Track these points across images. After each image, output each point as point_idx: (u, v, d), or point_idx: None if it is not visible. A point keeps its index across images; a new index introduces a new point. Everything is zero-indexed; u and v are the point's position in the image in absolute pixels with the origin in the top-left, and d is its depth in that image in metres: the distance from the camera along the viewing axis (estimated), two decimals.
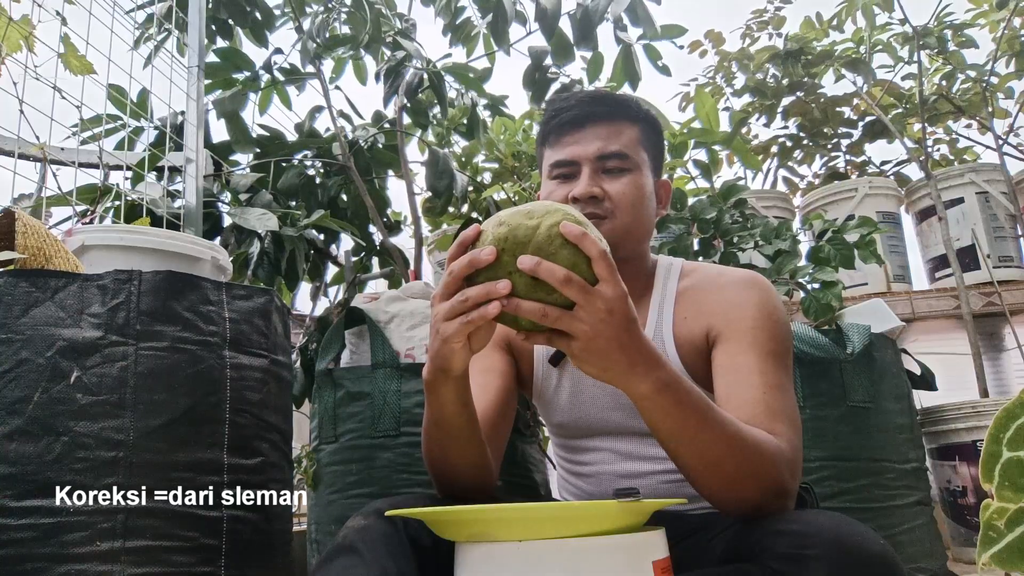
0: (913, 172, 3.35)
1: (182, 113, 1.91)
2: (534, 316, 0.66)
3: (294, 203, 2.19)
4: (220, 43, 2.28)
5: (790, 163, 3.54)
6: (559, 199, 1.00)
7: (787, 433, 0.81)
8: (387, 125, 2.38)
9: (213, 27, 2.18)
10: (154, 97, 1.91)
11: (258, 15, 2.22)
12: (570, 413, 1.04)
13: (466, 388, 0.80)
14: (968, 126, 3.37)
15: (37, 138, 1.40)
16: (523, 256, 0.65)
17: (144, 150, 1.86)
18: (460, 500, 0.85)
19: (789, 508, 0.78)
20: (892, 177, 3.34)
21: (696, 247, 2.06)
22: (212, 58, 2.12)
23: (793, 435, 0.82)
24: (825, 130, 3.40)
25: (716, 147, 2.44)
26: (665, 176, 1.18)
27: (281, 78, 2.28)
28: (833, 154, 3.51)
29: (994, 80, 3.07)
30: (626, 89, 2.26)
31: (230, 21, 2.21)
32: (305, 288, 2.40)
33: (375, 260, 2.46)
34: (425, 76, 2.15)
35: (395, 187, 3.32)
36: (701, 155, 2.46)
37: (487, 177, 2.62)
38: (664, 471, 0.98)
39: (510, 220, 0.68)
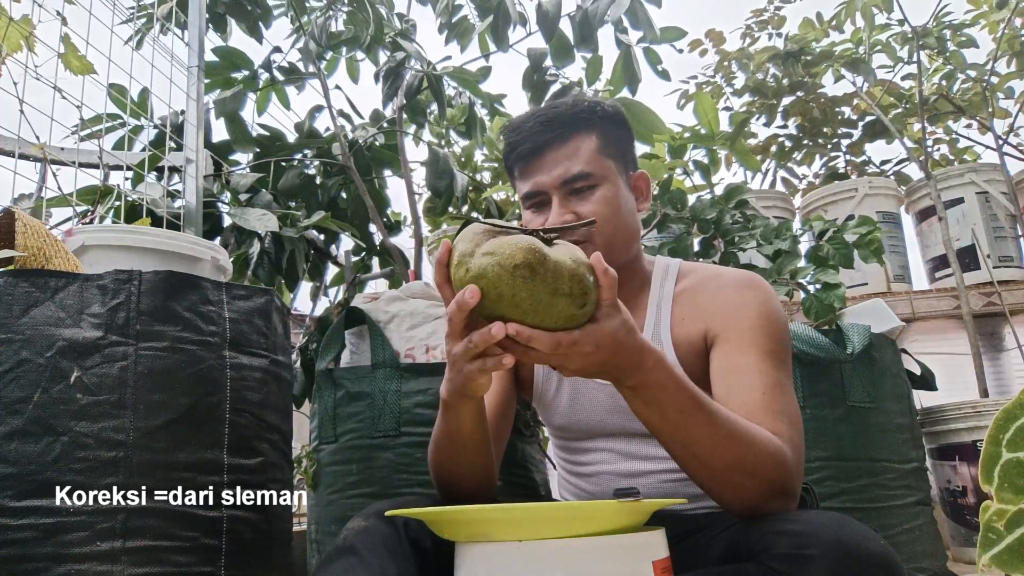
0: (913, 172, 3.35)
1: (182, 113, 1.91)
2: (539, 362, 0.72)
3: (294, 203, 2.19)
4: (214, 37, 2.27)
5: (789, 164, 3.54)
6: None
7: (788, 433, 0.80)
8: (385, 124, 2.38)
9: (207, 17, 2.17)
10: (154, 97, 1.91)
11: (257, 12, 2.22)
12: (570, 416, 1.04)
13: (483, 405, 0.82)
14: (968, 126, 3.36)
15: (37, 138, 1.40)
16: (512, 325, 0.66)
17: (144, 150, 1.86)
18: (461, 502, 0.85)
19: (792, 508, 0.78)
20: (892, 177, 3.33)
21: (696, 247, 2.06)
22: (211, 57, 2.12)
23: (795, 435, 0.81)
24: (825, 130, 3.39)
25: (716, 148, 2.44)
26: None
27: (280, 77, 2.27)
28: (833, 154, 3.50)
29: (994, 80, 3.07)
30: (625, 92, 2.25)
31: (226, 16, 2.21)
32: (305, 288, 2.40)
33: (375, 260, 2.46)
34: (424, 78, 2.15)
35: (395, 187, 3.32)
36: (700, 155, 2.46)
37: (487, 176, 2.62)
38: (664, 471, 0.98)
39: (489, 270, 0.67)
